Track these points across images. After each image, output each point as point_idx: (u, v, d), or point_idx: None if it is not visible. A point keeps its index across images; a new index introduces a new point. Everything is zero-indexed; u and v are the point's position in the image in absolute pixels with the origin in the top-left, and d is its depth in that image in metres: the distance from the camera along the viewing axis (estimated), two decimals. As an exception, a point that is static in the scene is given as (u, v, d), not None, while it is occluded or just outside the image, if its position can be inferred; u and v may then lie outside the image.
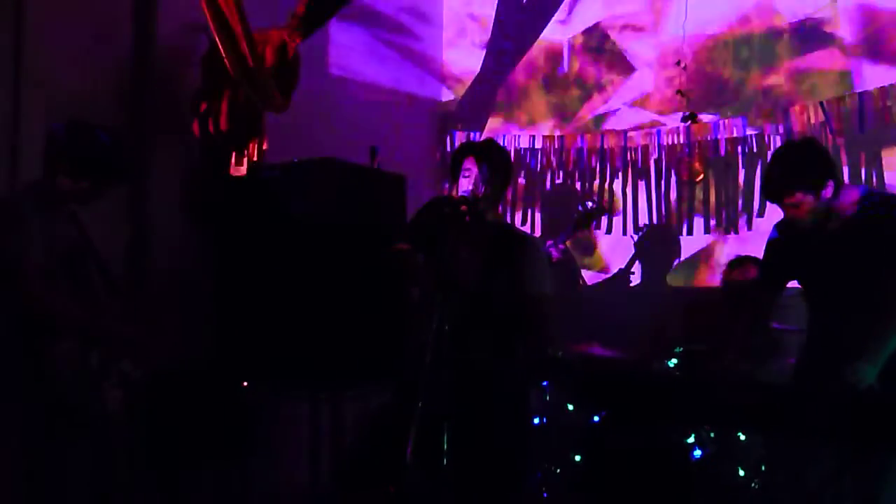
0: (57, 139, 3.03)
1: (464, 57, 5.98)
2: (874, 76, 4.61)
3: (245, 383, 3.75)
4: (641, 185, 5.28)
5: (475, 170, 3.14)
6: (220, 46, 3.71)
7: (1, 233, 2.90)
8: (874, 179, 4.59)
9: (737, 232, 4.96)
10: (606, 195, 5.35)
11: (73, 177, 2.99)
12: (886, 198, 3.28)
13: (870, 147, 4.62)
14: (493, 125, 5.84)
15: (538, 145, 5.60)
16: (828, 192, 3.01)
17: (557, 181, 5.55)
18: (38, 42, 3.50)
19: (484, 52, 5.92)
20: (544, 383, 4.14)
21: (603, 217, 5.19)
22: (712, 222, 5.06)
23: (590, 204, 4.73)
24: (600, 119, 5.50)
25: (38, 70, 3.50)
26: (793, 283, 3.33)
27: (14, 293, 2.84)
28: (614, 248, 5.39)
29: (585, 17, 5.58)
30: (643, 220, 5.27)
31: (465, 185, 3.14)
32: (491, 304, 3.10)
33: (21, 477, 2.94)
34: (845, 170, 4.60)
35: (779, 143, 4.79)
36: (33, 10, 3.50)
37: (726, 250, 4.95)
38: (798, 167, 3.05)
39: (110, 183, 3.13)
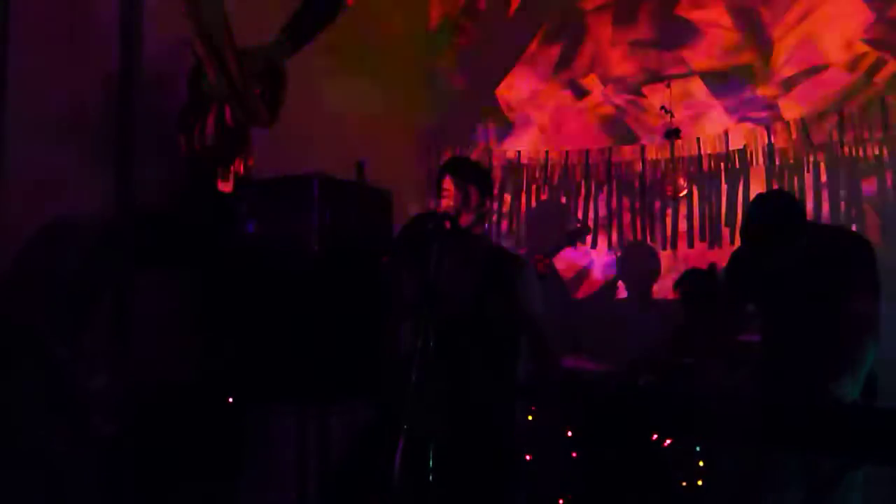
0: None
1: (450, 72, 6.01)
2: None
3: (230, 399, 3.73)
4: (626, 200, 5.32)
5: (453, 189, 3.19)
6: (206, 62, 3.71)
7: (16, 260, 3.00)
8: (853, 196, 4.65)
9: (720, 246, 5.00)
10: (592, 211, 5.38)
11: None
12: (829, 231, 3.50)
13: (848, 164, 4.68)
14: (480, 140, 5.86)
15: (523, 160, 5.63)
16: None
17: (543, 196, 5.58)
18: (23, 58, 3.49)
19: (469, 68, 5.96)
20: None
21: (588, 235, 5.22)
22: (696, 237, 5.10)
23: (574, 223, 4.78)
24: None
25: (23, 86, 3.49)
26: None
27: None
28: (598, 264, 5.42)
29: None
30: (627, 235, 5.30)
31: (445, 204, 3.18)
32: (483, 324, 3.11)
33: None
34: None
35: (761, 159, 4.86)
36: (18, 25, 3.50)
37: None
38: (792, 227, 3.14)
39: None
